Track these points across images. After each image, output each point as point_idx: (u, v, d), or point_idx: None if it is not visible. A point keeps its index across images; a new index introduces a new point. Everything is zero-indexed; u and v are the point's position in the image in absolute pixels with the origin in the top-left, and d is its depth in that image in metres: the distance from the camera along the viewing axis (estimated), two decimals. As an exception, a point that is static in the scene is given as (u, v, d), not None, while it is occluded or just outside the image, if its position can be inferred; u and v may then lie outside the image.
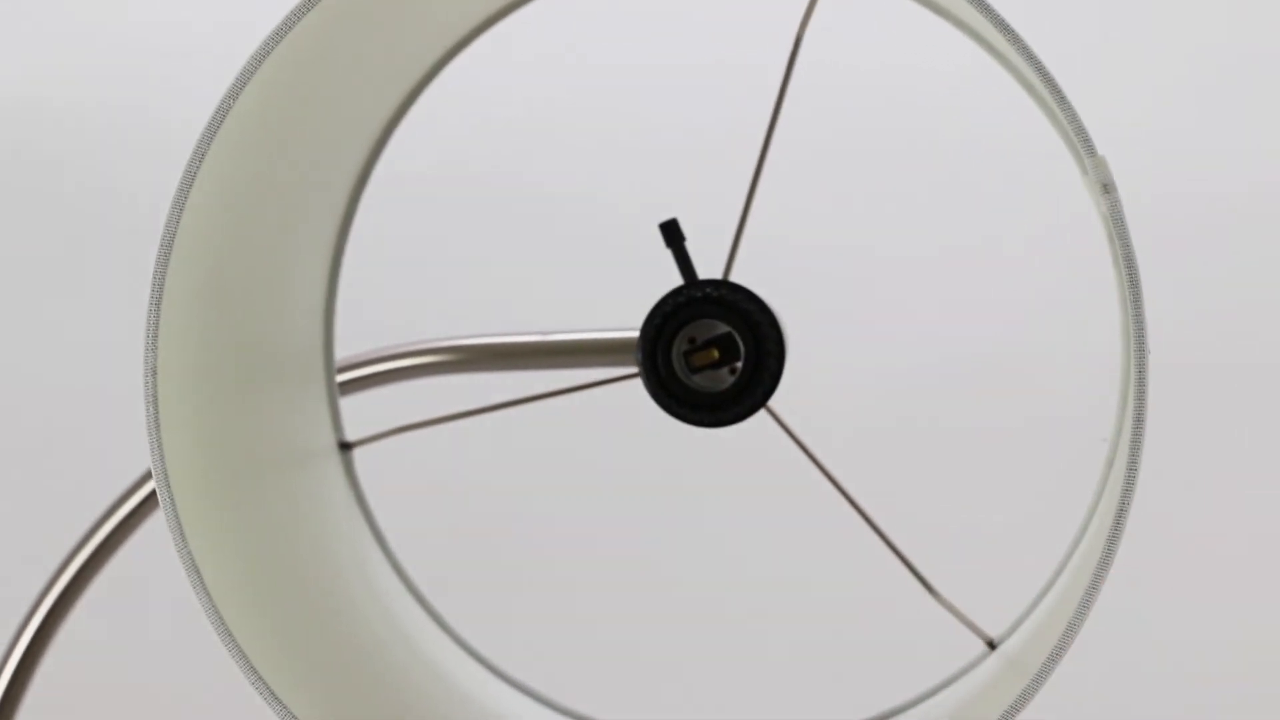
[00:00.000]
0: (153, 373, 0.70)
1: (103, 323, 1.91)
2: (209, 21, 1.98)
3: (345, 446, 0.89)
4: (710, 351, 0.76)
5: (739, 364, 0.76)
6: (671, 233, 0.82)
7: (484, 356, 0.99)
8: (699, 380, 0.77)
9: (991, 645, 0.82)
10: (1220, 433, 1.86)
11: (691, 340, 0.77)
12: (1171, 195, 1.85)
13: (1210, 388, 1.83)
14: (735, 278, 0.81)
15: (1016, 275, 1.89)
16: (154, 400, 0.70)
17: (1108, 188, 0.61)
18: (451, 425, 0.88)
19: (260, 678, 0.66)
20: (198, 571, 0.67)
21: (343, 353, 0.92)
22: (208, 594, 0.67)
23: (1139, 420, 0.59)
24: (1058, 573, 0.81)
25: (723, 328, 0.76)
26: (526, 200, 1.96)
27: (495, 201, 1.97)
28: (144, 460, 0.71)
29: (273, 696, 0.67)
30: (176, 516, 0.68)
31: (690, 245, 0.82)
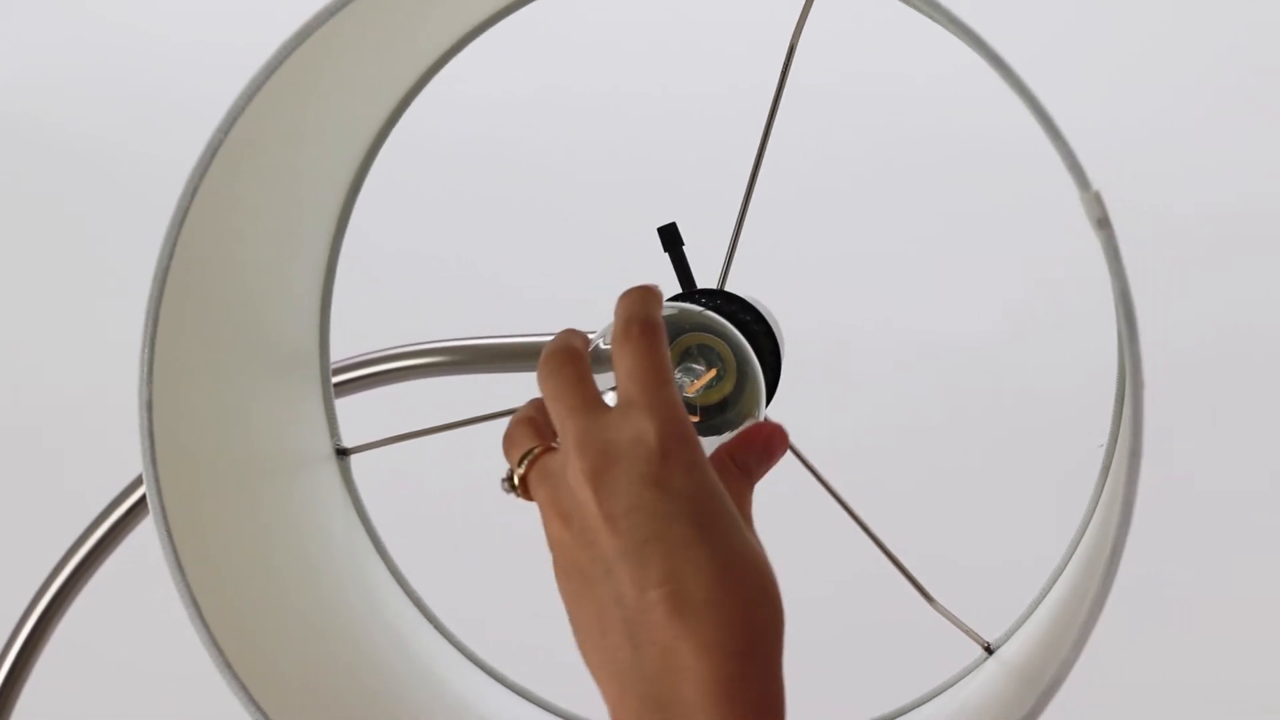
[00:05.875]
0: (149, 372, 0.70)
1: (101, 323, 1.91)
2: (222, 15, 1.98)
3: (342, 452, 0.89)
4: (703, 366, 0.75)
5: (730, 377, 0.76)
6: (670, 237, 0.81)
7: (482, 357, 0.99)
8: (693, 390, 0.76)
9: (988, 650, 0.82)
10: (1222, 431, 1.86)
11: (686, 351, 0.76)
12: (1178, 203, 1.84)
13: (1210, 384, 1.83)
14: (732, 280, 0.81)
15: (1014, 279, 1.88)
16: (149, 406, 0.70)
17: (1102, 223, 0.59)
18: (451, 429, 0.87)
19: (250, 695, 0.66)
20: (186, 583, 0.66)
21: (340, 354, 0.92)
22: (195, 604, 0.66)
23: (1135, 455, 0.58)
24: (1054, 578, 0.81)
25: (715, 341, 0.76)
26: (525, 201, 1.96)
27: (493, 203, 1.97)
28: (137, 465, 0.71)
29: (257, 710, 0.67)
30: (166, 523, 0.67)
31: (687, 244, 0.82)
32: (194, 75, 1.84)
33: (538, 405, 0.69)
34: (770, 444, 0.70)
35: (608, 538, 0.61)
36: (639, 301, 0.67)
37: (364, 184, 0.87)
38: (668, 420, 0.62)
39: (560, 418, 0.65)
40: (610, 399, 0.68)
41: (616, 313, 0.68)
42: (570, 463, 0.63)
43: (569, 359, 0.67)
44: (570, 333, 0.70)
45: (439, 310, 1.85)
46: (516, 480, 0.66)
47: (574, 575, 0.63)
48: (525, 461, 0.66)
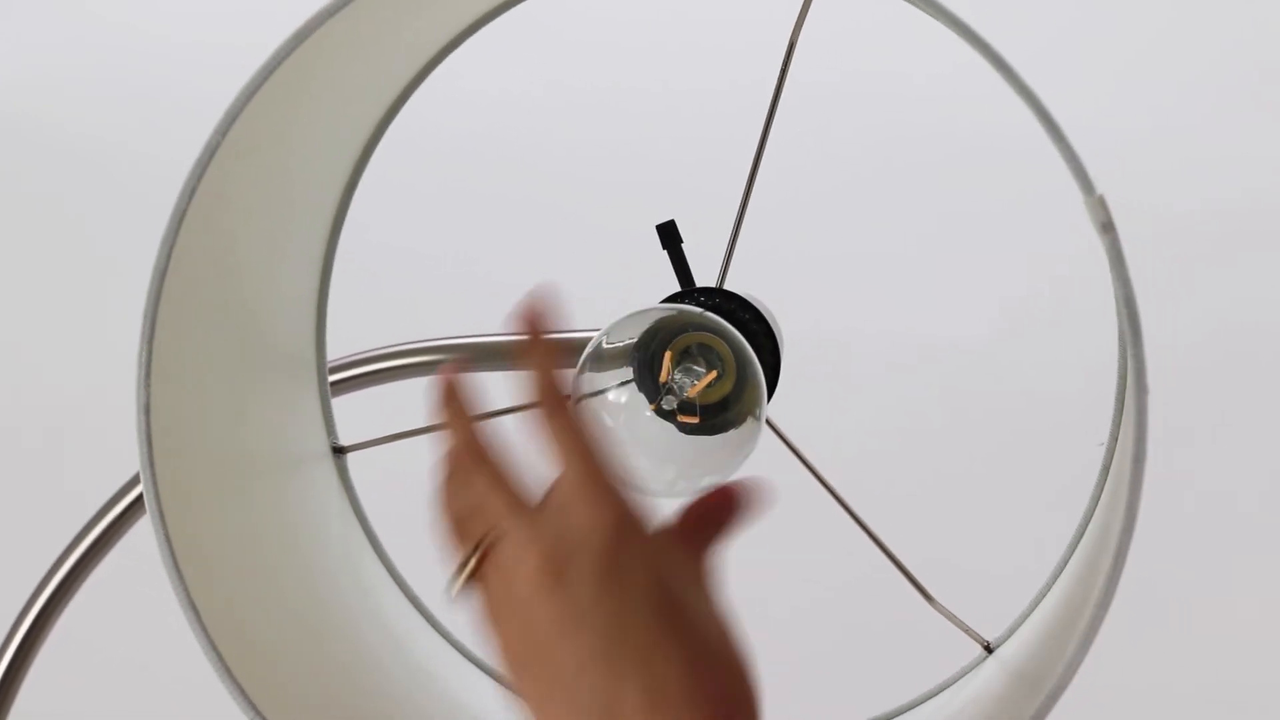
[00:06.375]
0: (146, 375, 0.70)
1: (101, 323, 1.91)
2: (222, 15, 1.98)
3: (339, 450, 0.89)
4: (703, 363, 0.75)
5: (730, 376, 0.75)
6: (669, 234, 0.81)
7: (479, 356, 0.99)
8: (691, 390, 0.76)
9: (988, 649, 0.82)
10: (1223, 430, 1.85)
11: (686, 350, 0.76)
12: (1181, 200, 1.84)
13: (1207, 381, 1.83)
14: (730, 279, 0.80)
15: (1015, 279, 1.88)
16: (146, 409, 0.69)
17: (1106, 228, 0.58)
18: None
19: (246, 695, 0.66)
20: (183, 584, 0.66)
21: (337, 353, 0.92)
22: (192, 604, 0.66)
23: (1138, 460, 0.57)
24: (1054, 577, 0.80)
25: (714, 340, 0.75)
26: (523, 199, 1.95)
27: (491, 200, 1.96)
28: (136, 464, 0.70)
29: (253, 710, 0.67)
30: (164, 525, 0.67)
31: (686, 241, 0.81)
32: (194, 75, 1.83)
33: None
34: (727, 510, 0.65)
35: (574, 637, 0.59)
36: (534, 378, 0.62)
37: (360, 182, 0.86)
38: (612, 510, 0.59)
39: (500, 515, 0.61)
40: (611, 398, 0.68)
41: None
42: (523, 561, 0.60)
43: (481, 461, 0.62)
44: (465, 433, 0.63)
45: (436, 309, 1.85)
46: (467, 573, 0.62)
47: (541, 676, 0.60)
48: (479, 551, 0.62)
